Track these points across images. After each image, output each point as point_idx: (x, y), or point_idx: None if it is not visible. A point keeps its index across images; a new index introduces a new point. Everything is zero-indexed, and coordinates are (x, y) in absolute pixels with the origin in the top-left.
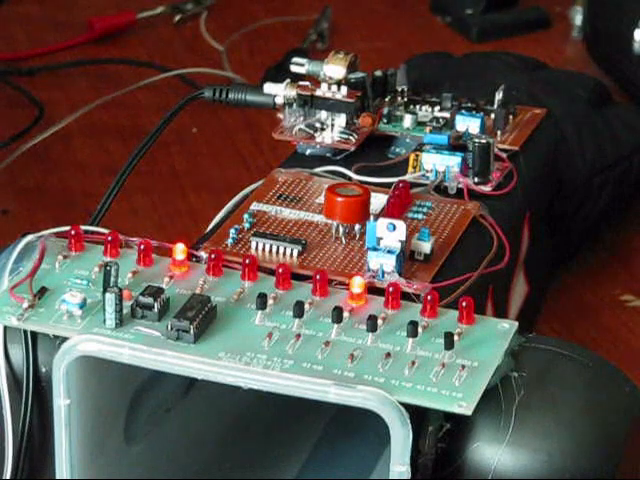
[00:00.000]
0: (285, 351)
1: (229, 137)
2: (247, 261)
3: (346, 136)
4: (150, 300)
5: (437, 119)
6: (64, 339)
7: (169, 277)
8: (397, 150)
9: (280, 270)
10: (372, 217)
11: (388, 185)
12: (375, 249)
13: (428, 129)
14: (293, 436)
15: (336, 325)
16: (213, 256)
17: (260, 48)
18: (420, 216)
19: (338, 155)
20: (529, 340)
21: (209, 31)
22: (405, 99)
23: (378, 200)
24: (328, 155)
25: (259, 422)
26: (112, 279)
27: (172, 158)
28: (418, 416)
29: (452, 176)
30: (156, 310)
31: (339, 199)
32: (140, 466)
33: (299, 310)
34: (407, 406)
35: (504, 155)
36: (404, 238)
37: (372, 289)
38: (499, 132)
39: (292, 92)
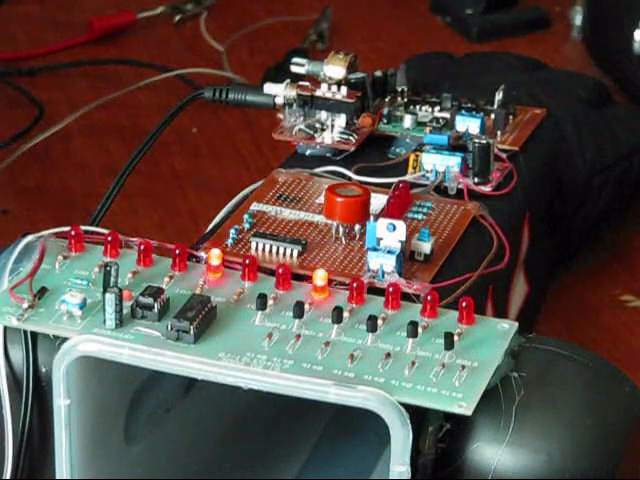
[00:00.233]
0: (285, 351)
1: (229, 137)
2: (247, 261)
3: (346, 136)
4: (150, 300)
5: (437, 119)
6: (64, 339)
7: (169, 277)
8: (397, 150)
9: (280, 270)
10: (372, 217)
11: (388, 185)
12: (375, 249)
13: (428, 129)
14: (293, 436)
15: (336, 325)
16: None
17: (260, 48)
18: (420, 216)
19: (338, 155)
20: (529, 340)
21: (209, 31)
22: (405, 99)
23: (378, 200)
24: (328, 155)
25: (259, 422)
26: (112, 279)
27: (172, 158)
28: (418, 416)
29: (452, 176)
30: (156, 310)
31: (339, 199)
32: (140, 466)
33: (299, 310)
34: (407, 406)
35: (504, 155)
36: (404, 238)
37: (372, 289)
38: (499, 132)
39: (292, 92)
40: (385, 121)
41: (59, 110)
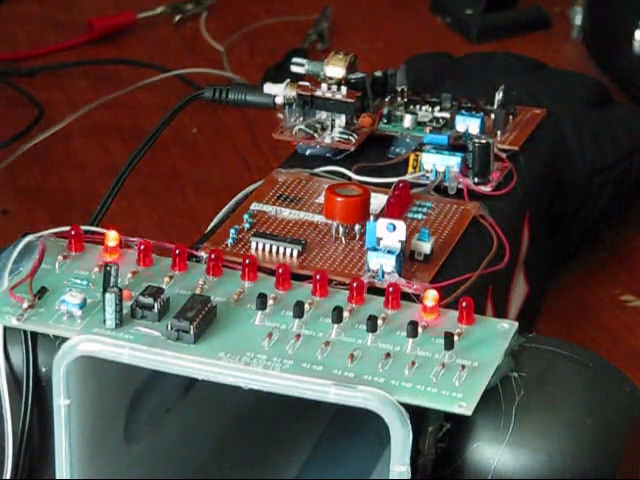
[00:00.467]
0: (285, 351)
1: (229, 137)
2: (247, 261)
3: (346, 136)
4: (150, 300)
5: (437, 119)
6: (64, 339)
7: (169, 277)
8: (397, 150)
9: (280, 270)
10: (372, 217)
11: (388, 185)
12: (375, 249)
13: (428, 129)
14: (293, 436)
15: (336, 325)
16: (213, 256)
17: (260, 48)
18: (420, 216)
19: (338, 155)
20: (529, 340)
21: (209, 31)
22: (405, 99)
23: (378, 200)
24: (328, 155)
25: (259, 422)
26: (112, 279)
27: (172, 158)
28: (418, 416)
29: (452, 176)
30: (156, 310)
31: (339, 199)
32: (140, 466)
33: (299, 310)
34: (407, 406)
35: (504, 155)
36: (404, 238)
37: (372, 289)
38: (499, 132)
39: (292, 92)
40: (385, 121)
41: (59, 110)
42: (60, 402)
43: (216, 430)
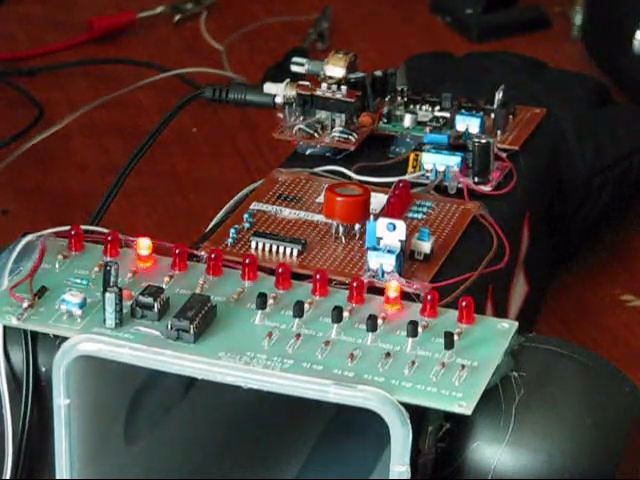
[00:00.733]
0: (285, 351)
1: (229, 137)
2: (247, 261)
3: (346, 136)
4: (150, 300)
5: (437, 119)
6: (64, 339)
7: (169, 277)
8: (397, 150)
9: (280, 270)
10: (372, 217)
11: (388, 185)
12: (375, 249)
13: (428, 129)
14: (293, 436)
15: (336, 325)
16: (213, 256)
17: (260, 48)
18: (420, 216)
19: (338, 155)
20: (529, 340)
21: (209, 31)
22: (405, 99)
23: (378, 200)
24: (328, 155)
25: (259, 422)
26: (112, 279)
27: (172, 158)
28: (418, 416)
29: (452, 176)
30: (156, 310)
31: (339, 199)
32: (140, 466)
33: (299, 310)
34: (407, 406)
35: (504, 155)
36: (404, 238)
37: (372, 289)
38: (499, 132)
39: (292, 92)
40: (385, 120)
41: (59, 110)
42: (60, 402)
43: (216, 430)
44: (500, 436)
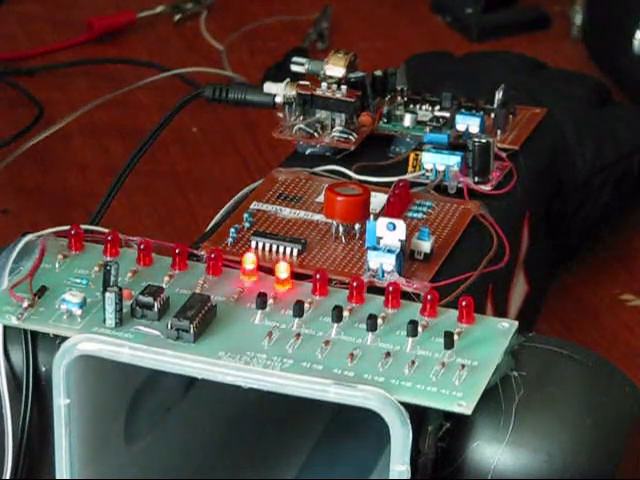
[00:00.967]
0: (285, 350)
1: (229, 137)
2: (247, 261)
3: (346, 135)
4: (150, 299)
5: (437, 118)
6: (64, 338)
7: (169, 276)
8: (397, 149)
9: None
10: (372, 216)
11: (388, 184)
12: (375, 248)
13: (428, 128)
14: (293, 436)
15: (336, 324)
16: (213, 256)
17: (260, 48)
18: (420, 215)
19: (338, 154)
20: (529, 340)
21: (209, 31)
22: (405, 98)
23: (378, 199)
24: (328, 154)
25: (259, 422)
26: (112, 278)
27: (172, 158)
28: (418, 416)
29: (452, 175)
30: (156, 309)
31: (339, 198)
32: (140, 466)
33: (299, 309)
34: (407, 405)
35: (504, 155)
36: (404, 237)
37: (372, 288)
38: (499, 132)
39: (292, 91)
40: (385, 120)
41: (59, 110)
42: (60, 402)
43: (216, 430)
44: (500, 436)
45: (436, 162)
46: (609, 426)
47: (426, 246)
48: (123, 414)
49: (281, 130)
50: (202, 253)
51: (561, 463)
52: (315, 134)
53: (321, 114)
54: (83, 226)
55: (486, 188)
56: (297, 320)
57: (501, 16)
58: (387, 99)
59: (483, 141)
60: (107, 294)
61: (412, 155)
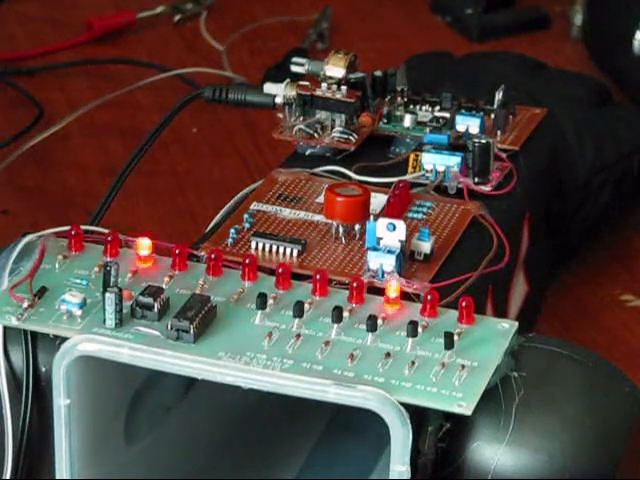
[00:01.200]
0: (285, 351)
1: (229, 137)
2: (247, 261)
3: (346, 136)
4: (150, 300)
5: (437, 119)
6: (64, 339)
7: (169, 277)
8: (397, 150)
9: (280, 270)
10: (372, 217)
11: (388, 185)
12: (375, 249)
13: (428, 129)
14: (293, 436)
15: (336, 325)
16: (213, 256)
17: (260, 48)
18: (420, 216)
19: (338, 155)
20: (529, 340)
21: (209, 31)
22: (405, 99)
23: (378, 200)
24: (328, 155)
25: (259, 422)
26: (112, 279)
27: (172, 158)
28: (418, 416)
29: (452, 176)
30: (156, 310)
31: (339, 199)
32: (140, 466)
33: (299, 310)
34: (407, 406)
35: (504, 155)
36: (404, 238)
37: (372, 289)
38: (499, 132)
39: (292, 92)
40: (385, 121)
41: (59, 110)
42: (60, 402)
43: (216, 430)
44: (500, 436)
45: (436, 163)
46: (609, 426)
47: (426, 247)
48: (123, 414)
49: (281, 131)
50: (202, 254)
51: (561, 463)
52: (315, 135)
53: (321, 115)
54: (83, 226)
55: (486, 189)
56: (297, 321)
57: (501, 16)
58: (387, 100)
59: (483, 142)
60: (107, 294)
61: (412, 156)
